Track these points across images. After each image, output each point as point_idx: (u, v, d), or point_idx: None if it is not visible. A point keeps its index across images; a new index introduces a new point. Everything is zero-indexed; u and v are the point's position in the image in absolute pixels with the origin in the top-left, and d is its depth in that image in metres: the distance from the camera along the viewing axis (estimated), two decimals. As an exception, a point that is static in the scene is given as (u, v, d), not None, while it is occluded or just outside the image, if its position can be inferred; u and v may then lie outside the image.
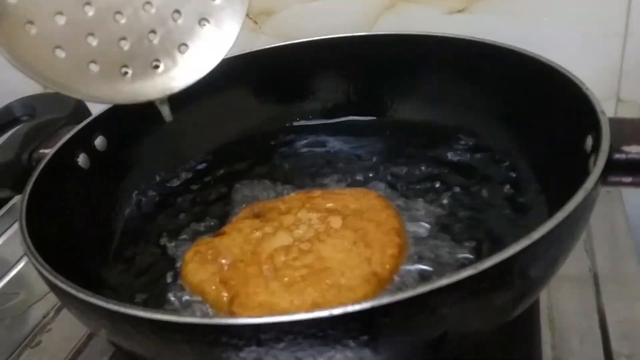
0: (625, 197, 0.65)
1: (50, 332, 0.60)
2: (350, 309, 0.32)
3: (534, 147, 0.56)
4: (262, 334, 0.33)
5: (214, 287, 0.47)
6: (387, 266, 0.48)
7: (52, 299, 0.63)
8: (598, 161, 0.40)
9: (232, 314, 0.45)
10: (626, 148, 0.43)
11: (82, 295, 0.37)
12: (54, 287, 0.39)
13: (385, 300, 0.32)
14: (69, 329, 0.60)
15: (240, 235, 0.52)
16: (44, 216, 0.49)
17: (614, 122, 0.44)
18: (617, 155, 0.43)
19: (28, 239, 0.43)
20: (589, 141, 0.46)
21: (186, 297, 0.49)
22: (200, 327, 0.33)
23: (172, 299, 0.49)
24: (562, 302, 0.54)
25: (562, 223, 0.36)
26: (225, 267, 0.49)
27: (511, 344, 0.49)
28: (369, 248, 0.49)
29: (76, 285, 0.38)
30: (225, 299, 0.46)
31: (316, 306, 0.44)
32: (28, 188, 0.50)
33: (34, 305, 0.64)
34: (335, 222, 0.52)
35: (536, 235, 0.35)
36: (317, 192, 0.57)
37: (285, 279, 0.46)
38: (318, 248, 0.49)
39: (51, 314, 0.62)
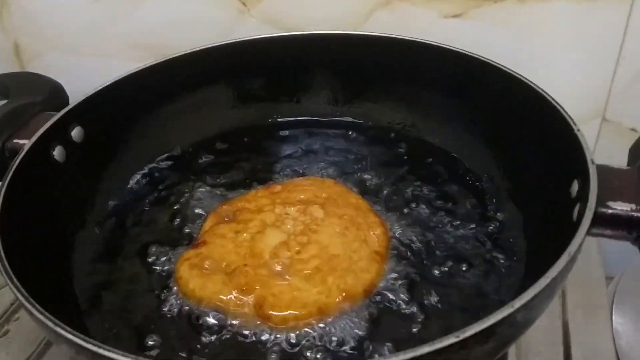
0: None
1: (19, 321, 0.60)
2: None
3: (518, 175, 0.56)
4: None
5: (232, 297, 0.47)
6: (382, 244, 0.52)
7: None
8: (584, 220, 0.41)
9: (265, 317, 0.46)
10: (612, 204, 0.43)
11: (71, 337, 0.36)
12: (32, 318, 0.39)
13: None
14: (38, 318, 0.59)
15: (227, 241, 0.52)
16: (17, 216, 0.48)
17: (600, 169, 0.44)
18: (601, 210, 0.43)
19: (3, 254, 0.42)
20: (575, 186, 0.46)
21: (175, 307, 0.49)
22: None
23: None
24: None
25: (544, 289, 0.37)
26: (231, 274, 0.49)
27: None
28: (360, 230, 0.52)
29: (53, 309, 0.38)
30: (248, 305, 0.47)
31: (343, 291, 0.47)
32: (3, 189, 0.48)
33: (1, 290, 0.62)
34: (317, 212, 0.54)
35: (517, 303, 0.36)
36: (277, 187, 0.59)
37: (302, 273, 0.48)
38: (316, 238, 0.52)
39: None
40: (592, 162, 0.45)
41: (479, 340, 0.35)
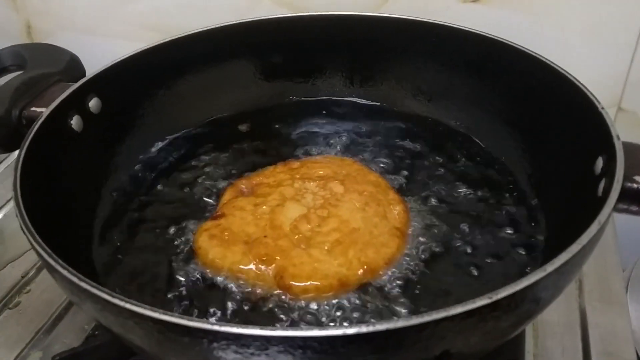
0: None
1: (30, 294, 0.59)
2: (365, 329, 0.32)
3: (538, 155, 0.56)
4: (273, 346, 0.33)
5: (252, 266, 0.47)
6: (402, 220, 0.52)
7: (32, 258, 0.62)
8: (612, 192, 0.41)
9: (286, 288, 0.46)
10: (638, 178, 0.43)
11: (88, 287, 0.35)
12: (56, 274, 0.38)
13: (400, 323, 0.32)
14: (50, 291, 0.59)
15: (246, 213, 0.52)
16: (36, 184, 0.47)
17: (625, 147, 0.44)
18: (628, 185, 0.43)
19: (25, 216, 0.41)
20: (600, 163, 0.46)
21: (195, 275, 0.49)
22: (214, 333, 0.33)
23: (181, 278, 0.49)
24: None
25: (574, 256, 0.36)
26: (251, 245, 0.48)
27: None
28: (380, 206, 0.52)
29: (75, 271, 0.37)
30: (269, 275, 0.47)
31: (364, 264, 0.47)
32: (22, 152, 0.47)
33: (13, 263, 0.62)
34: (337, 187, 0.54)
35: (550, 268, 0.35)
36: (295, 163, 0.58)
37: (323, 245, 0.48)
38: (336, 212, 0.51)
39: (31, 274, 0.61)
40: (618, 138, 0.45)
41: (511, 303, 0.34)
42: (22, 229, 0.41)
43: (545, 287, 0.36)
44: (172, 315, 0.33)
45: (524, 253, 0.50)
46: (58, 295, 0.58)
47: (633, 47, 0.66)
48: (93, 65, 0.59)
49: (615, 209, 0.42)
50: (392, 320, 0.32)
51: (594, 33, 0.67)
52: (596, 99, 0.49)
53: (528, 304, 0.36)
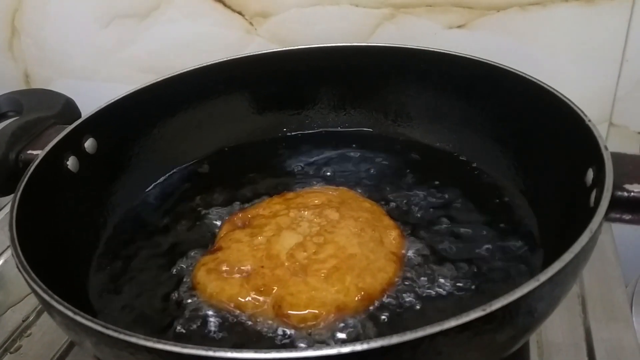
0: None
1: (31, 337, 0.59)
2: (359, 347, 0.32)
3: (531, 172, 0.57)
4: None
5: (250, 297, 0.47)
6: (398, 245, 0.52)
7: (32, 302, 0.62)
8: (602, 201, 0.41)
9: (285, 317, 0.46)
10: (628, 186, 0.43)
11: (91, 325, 0.36)
12: (52, 310, 0.38)
13: (395, 340, 0.32)
14: (50, 334, 0.58)
15: (242, 245, 0.52)
16: (33, 224, 0.48)
17: (614, 157, 0.45)
18: (618, 193, 0.43)
19: (21, 255, 0.41)
20: (590, 174, 0.46)
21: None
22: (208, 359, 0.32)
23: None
24: (549, 325, 0.55)
25: (567, 265, 0.36)
26: (249, 276, 0.49)
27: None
28: (376, 232, 0.52)
29: (75, 308, 0.37)
30: (267, 305, 0.47)
31: (361, 290, 0.47)
32: (18, 194, 0.48)
33: (14, 307, 0.62)
34: (332, 214, 0.54)
35: (543, 277, 0.35)
36: (290, 194, 0.59)
37: (320, 273, 0.48)
38: (332, 239, 0.51)
39: (31, 318, 0.61)
40: (606, 148, 0.45)
41: (506, 314, 0.34)
42: (18, 268, 0.41)
43: (540, 297, 0.36)
44: (165, 344, 0.33)
45: (520, 269, 0.50)
46: (59, 337, 0.57)
47: (619, 62, 0.67)
48: (91, 108, 0.60)
49: (608, 218, 0.42)
50: (387, 337, 0.32)
51: (579, 51, 0.68)
52: (582, 112, 0.50)
53: (524, 316, 0.36)
